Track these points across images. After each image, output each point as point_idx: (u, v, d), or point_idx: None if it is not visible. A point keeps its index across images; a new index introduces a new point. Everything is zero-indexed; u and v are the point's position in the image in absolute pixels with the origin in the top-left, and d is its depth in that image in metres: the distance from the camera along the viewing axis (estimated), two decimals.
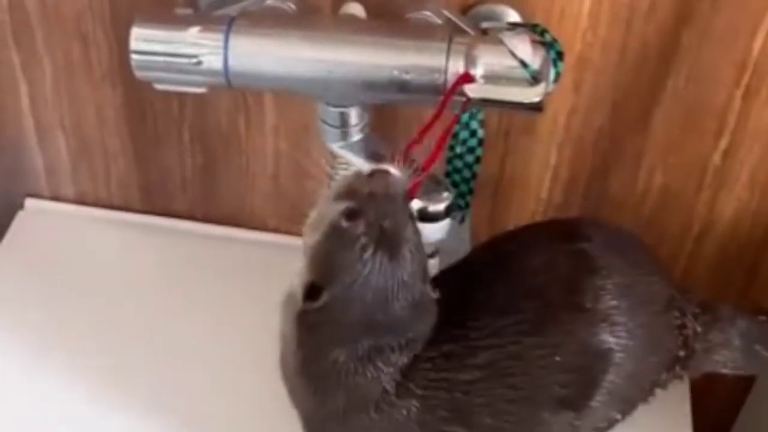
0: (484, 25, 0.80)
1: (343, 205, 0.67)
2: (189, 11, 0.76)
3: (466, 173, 0.86)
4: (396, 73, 0.73)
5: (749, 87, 0.85)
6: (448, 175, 0.86)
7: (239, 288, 0.97)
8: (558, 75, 0.74)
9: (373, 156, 0.80)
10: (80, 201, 1.05)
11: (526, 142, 0.92)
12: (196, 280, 0.99)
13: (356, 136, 0.80)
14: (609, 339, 0.71)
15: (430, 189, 0.77)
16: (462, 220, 0.88)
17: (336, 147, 0.80)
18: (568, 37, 0.84)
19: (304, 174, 0.97)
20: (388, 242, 0.66)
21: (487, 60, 0.72)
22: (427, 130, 0.72)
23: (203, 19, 0.76)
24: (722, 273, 0.99)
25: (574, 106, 0.89)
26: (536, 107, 0.75)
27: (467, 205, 0.88)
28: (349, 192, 0.68)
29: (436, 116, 0.71)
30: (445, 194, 0.77)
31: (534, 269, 0.74)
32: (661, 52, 0.84)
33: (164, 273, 1.00)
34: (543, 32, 0.74)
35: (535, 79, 0.72)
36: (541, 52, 0.72)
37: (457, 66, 0.72)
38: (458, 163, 0.85)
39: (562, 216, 0.95)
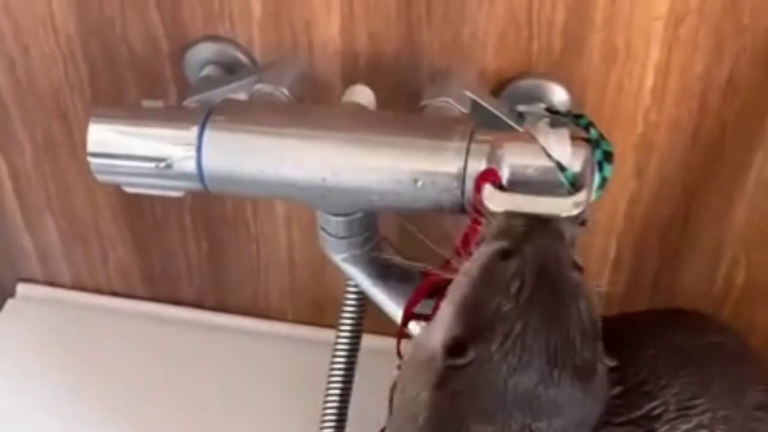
0: (521, 108, 0.65)
1: (497, 245, 0.53)
2: (159, 103, 0.63)
3: None
4: (404, 180, 0.59)
5: None
6: None
7: (253, 384, 0.86)
8: (605, 180, 0.58)
9: (384, 271, 0.66)
10: (77, 286, 0.93)
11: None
12: (204, 373, 0.88)
13: (364, 247, 0.66)
14: None
15: None
16: None
17: (338, 259, 0.66)
18: (627, 115, 0.69)
19: (323, 267, 0.84)
20: (550, 286, 0.52)
21: (515, 161, 0.57)
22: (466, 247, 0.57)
23: (174, 113, 0.63)
24: None
25: (636, 193, 0.74)
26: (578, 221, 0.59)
27: None
28: (505, 231, 0.54)
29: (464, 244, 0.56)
30: None
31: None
32: (742, 133, 0.69)
33: (170, 365, 0.89)
34: (588, 126, 0.59)
35: (574, 185, 0.57)
36: (584, 152, 0.57)
37: (477, 171, 0.58)
38: None
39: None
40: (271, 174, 0.61)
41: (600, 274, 0.80)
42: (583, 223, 0.58)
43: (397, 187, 0.59)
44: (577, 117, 0.59)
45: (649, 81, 0.67)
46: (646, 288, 0.81)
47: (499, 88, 0.69)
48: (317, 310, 0.89)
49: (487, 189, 0.56)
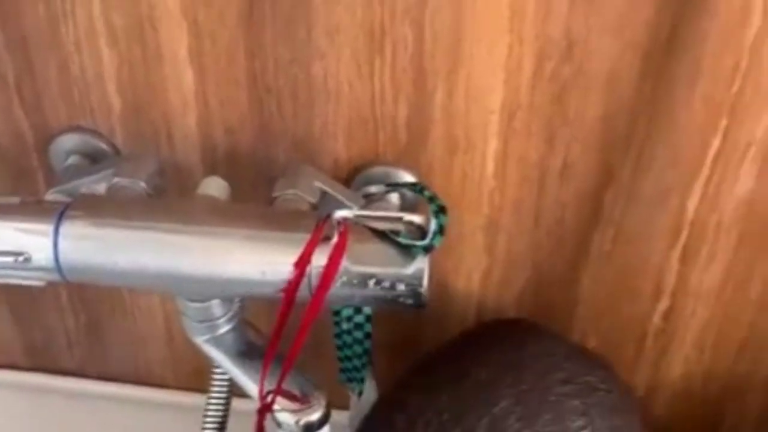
0: (370, 189, 0.69)
1: None
2: (16, 199, 0.65)
3: (357, 349, 0.75)
4: (251, 270, 0.62)
5: (687, 248, 0.74)
6: (339, 349, 0.75)
7: None
8: (442, 227, 0.62)
9: (245, 349, 0.70)
10: None
11: (438, 303, 0.81)
12: None
13: (223, 328, 0.69)
14: None
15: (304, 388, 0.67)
16: (360, 394, 0.77)
17: (200, 341, 0.69)
18: (473, 199, 0.73)
19: None
20: None
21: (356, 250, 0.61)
22: (280, 329, 0.61)
23: (31, 208, 0.65)
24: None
25: (488, 269, 0.78)
26: (420, 303, 0.64)
27: (362, 380, 0.77)
28: None
29: (281, 320, 0.61)
30: (317, 402, 0.66)
31: None
32: (581, 213, 0.73)
33: None
34: (422, 190, 0.64)
35: (411, 248, 0.61)
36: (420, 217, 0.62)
37: (320, 258, 0.61)
38: (347, 339, 0.75)
39: None
40: (126, 265, 0.64)
41: None
42: (423, 306, 0.63)
43: (245, 277, 0.63)
44: (413, 185, 0.65)
45: (490, 168, 0.71)
46: None
47: (352, 175, 0.72)
48: (198, 377, 0.91)
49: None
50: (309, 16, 0.64)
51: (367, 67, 0.66)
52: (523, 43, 0.64)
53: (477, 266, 0.78)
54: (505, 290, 0.80)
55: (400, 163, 0.71)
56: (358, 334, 0.75)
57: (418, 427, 0.67)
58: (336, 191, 0.68)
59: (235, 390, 0.77)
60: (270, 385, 0.66)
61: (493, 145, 0.70)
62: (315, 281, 0.62)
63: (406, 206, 0.71)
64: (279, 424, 0.68)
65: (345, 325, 0.74)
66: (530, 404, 0.67)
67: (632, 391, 0.76)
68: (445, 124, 0.69)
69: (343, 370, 0.79)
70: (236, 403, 0.77)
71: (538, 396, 0.67)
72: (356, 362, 0.77)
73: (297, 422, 0.67)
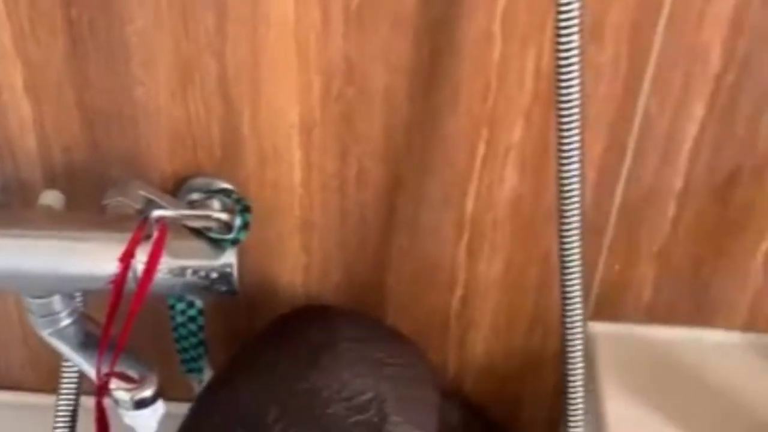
0: (192, 197, 0.81)
1: None
2: None
3: (193, 340, 0.86)
4: (78, 267, 0.73)
5: (471, 242, 0.87)
6: (177, 341, 0.86)
7: None
8: (246, 224, 0.76)
9: (86, 340, 0.80)
10: None
11: (264, 299, 0.92)
12: None
13: (65, 321, 0.79)
14: None
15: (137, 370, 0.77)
16: (200, 383, 0.88)
17: (45, 335, 0.79)
18: (286, 204, 0.85)
19: None
20: None
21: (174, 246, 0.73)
22: (111, 317, 0.72)
23: None
24: (487, 407, 1.00)
25: (307, 266, 0.90)
26: (232, 290, 0.76)
27: (200, 370, 0.88)
28: None
29: (111, 310, 0.72)
30: (149, 380, 0.77)
31: None
32: (379, 215, 0.86)
33: None
34: (230, 194, 0.78)
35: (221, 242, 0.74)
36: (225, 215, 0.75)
37: (143, 254, 0.73)
38: (183, 331, 0.85)
39: None
40: None
41: None
42: (234, 293, 0.75)
43: (80, 273, 0.73)
44: (224, 190, 0.79)
45: (297, 177, 0.83)
46: None
47: (179, 184, 0.84)
48: (56, 378, 1.00)
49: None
50: (126, 51, 0.75)
51: (180, 93, 0.77)
52: (309, 68, 0.76)
53: (298, 264, 0.90)
54: (324, 285, 0.92)
55: (220, 175, 0.82)
56: (193, 327, 0.86)
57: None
58: (160, 198, 0.79)
59: (85, 388, 0.87)
60: (107, 368, 0.77)
61: (297, 157, 0.82)
62: (140, 274, 0.73)
63: (226, 211, 0.83)
64: (117, 402, 0.78)
65: (179, 318, 0.85)
66: (322, 383, 0.77)
67: (431, 365, 0.88)
68: (254, 139, 0.80)
69: (183, 362, 0.90)
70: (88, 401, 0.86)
71: (331, 375, 0.78)
72: (193, 353, 0.88)
73: (132, 398, 0.77)
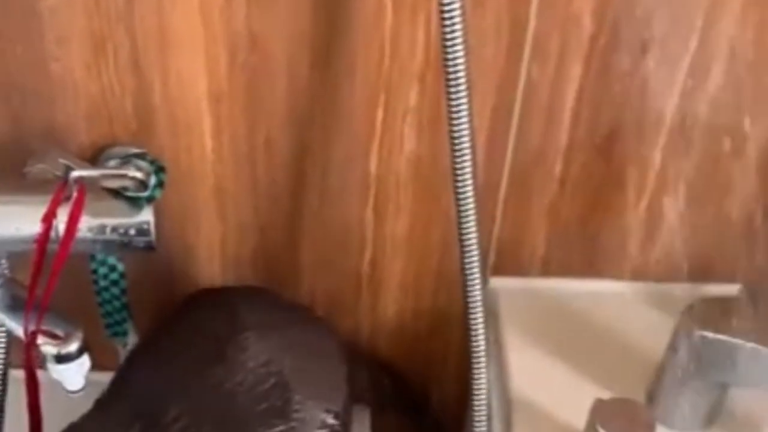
0: (110, 164, 0.86)
1: None
2: None
3: (116, 303, 0.91)
4: (8, 230, 0.78)
5: (377, 203, 0.93)
6: (100, 305, 0.91)
7: None
8: (161, 182, 0.82)
9: (13, 303, 0.84)
10: None
11: (184, 266, 0.97)
12: None
13: None
14: None
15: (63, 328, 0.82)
16: (125, 346, 0.93)
17: None
18: (200, 172, 0.90)
19: None
20: None
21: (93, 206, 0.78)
22: (36, 276, 0.77)
23: None
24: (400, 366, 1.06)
25: (224, 233, 0.95)
26: (149, 246, 0.81)
27: (125, 333, 0.93)
28: None
29: (36, 268, 0.76)
30: (74, 335, 0.82)
31: None
32: (289, 179, 0.91)
33: None
34: (144, 156, 0.84)
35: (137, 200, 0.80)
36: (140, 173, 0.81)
37: (64, 214, 0.78)
38: (106, 295, 0.90)
39: None
40: None
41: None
42: (153, 248, 0.80)
43: (5, 235, 0.78)
44: (141, 154, 0.84)
45: (209, 145, 0.88)
46: None
47: (97, 154, 0.88)
48: None
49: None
50: (40, 27, 0.80)
51: (95, 68, 0.82)
52: (215, 40, 0.82)
53: (214, 232, 0.95)
54: (241, 253, 0.97)
55: (136, 143, 0.87)
56: (115, 291, 0.91)
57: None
58: (79, 166, 0.84)
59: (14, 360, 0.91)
60: (33, 326, 0.81)
61: (208, 126, 0.87)
62: (61, 234, 0.78)
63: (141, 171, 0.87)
64: (45, 357, 0.82)
65: (102, 282, 0.90)
66: (226, 377, 0.82)
67: (336, 334, 0.93)
68: (166, 109, 0.86)
69: (107, 326, 0.95)
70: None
71: (234, 367, 0.82)
72: (117, 317, 0.93)
73: (58, 353, 0.81)
